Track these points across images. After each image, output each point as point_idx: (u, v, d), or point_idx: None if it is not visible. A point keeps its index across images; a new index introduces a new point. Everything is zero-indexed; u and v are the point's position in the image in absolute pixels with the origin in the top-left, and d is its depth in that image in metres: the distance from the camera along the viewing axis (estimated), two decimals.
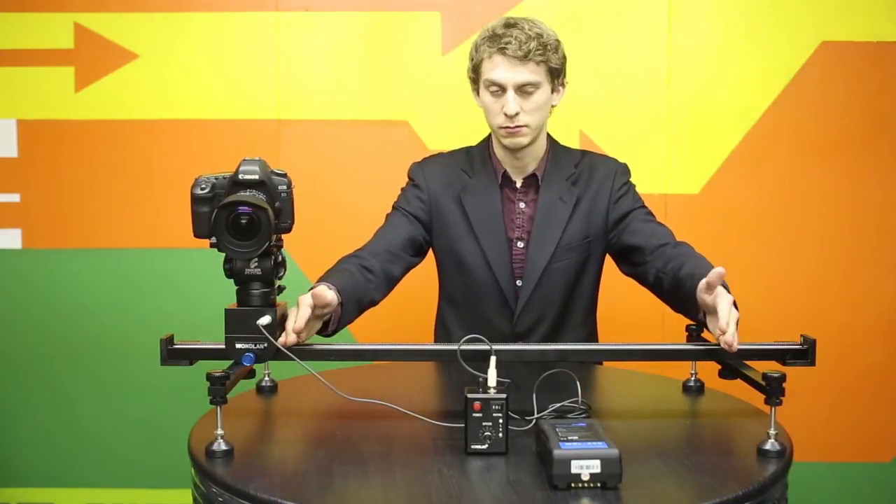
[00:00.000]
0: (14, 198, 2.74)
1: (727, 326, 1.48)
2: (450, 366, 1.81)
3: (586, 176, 2.03)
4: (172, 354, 1.52)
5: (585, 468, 1.22)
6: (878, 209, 2.72)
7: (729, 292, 1.55)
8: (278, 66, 2.70)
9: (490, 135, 2.05)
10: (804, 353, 1.54)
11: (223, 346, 1.47)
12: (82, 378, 2.78)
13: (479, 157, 2.05)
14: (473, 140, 2.10)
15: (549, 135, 2.05)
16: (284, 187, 1.49)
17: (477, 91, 1.98)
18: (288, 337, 1.50)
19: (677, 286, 1.75)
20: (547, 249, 1.99)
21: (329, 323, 1.64)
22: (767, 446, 1.39)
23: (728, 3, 2.67)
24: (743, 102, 2.69)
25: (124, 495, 2.82)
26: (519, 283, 2.01)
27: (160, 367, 1.54)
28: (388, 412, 1.51)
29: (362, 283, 1.79)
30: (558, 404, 1.52)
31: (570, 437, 1.27)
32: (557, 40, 1.93)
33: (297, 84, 2.71)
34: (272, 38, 2.70)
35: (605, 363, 2.03)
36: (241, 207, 1.40)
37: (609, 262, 2.08)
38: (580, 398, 1.53)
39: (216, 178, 1.48)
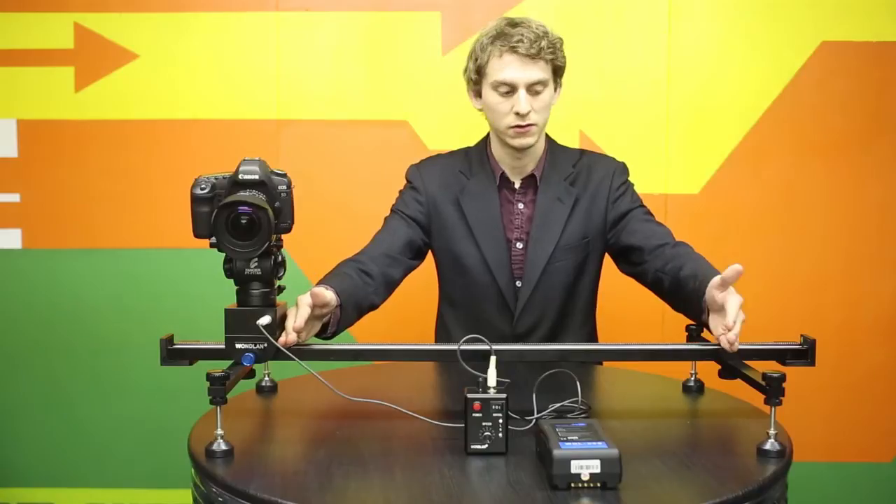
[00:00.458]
0: (14, 198, 2.74)
1: (733, 324, 1.48)
2: (450, 366, 1.81)
3: (584, 176, 2.02)
4: (172, 354, 1.52)
5: (585, 468, 1.22)
6: (878, 209, 2.72)
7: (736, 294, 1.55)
8: (278, 66, 2.70)
9: (487, 136, 2.05)
10: (804, 353, 1.54)
11: (223, 346, 1.47)
12: (82, 378, 2.78)
13: (476, 159, 2.05)
14: (473, 140, 2.10)
15: (546, 134, 2.05)
16: (284, 187, 1.49)
17: (476, 93, 1.97)
18: (288, 336, 1.50)
19: (678, 287, 1.75)
20: (546, 250, 1.99)
21: (328, 325, 1.64)
22: (767, 446, 1.39)
23: (728, 3, 2.67)
24: (743, 102, 2.68)
25: (124, 495, 2.82)
26: (518, 283, 2.01)
27: (160, 367, 1.54)
28: (389, 412, 1.51)
29: (361, 287, 1.78)
30: (558, 404, 1.52)
31: (569, 437, 1.27)
32: (560, 38, 1.94)
33: (297, 84, 2.71)
34: (272, 38, 2.69)
35: (605, 363, 2.03)
36: (241, 207, 1.40)
37: (609, 261, 2.08)
38: (580, 398, 1.54)
39: (216, 178, 1.49)
